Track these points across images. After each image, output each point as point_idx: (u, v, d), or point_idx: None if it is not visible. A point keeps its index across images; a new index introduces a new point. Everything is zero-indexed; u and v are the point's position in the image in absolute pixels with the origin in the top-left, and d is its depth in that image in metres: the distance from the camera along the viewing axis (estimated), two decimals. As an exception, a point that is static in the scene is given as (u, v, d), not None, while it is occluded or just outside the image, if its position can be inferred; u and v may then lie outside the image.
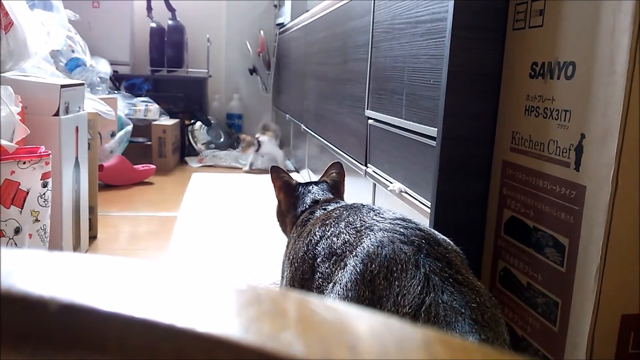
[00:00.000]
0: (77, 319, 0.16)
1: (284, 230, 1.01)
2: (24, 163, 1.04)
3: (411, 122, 1.02)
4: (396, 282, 0.59)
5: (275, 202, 1.02)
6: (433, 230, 0.68)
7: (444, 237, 0.67)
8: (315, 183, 0.99)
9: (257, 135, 2.72)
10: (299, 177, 2.48)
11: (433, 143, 0.90)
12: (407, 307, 0.56)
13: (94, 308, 0.16)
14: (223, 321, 0.15)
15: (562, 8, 0.71)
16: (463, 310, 0.55)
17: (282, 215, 1.00)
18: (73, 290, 0.16)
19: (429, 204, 0.91)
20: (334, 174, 1.03)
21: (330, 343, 0.15)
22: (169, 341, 0.15)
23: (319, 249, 0.73)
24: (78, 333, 0.16)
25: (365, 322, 0.17)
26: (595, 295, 0.65)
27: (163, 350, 0.15)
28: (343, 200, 0.98)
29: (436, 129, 0.87)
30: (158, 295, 0.17)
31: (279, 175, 0.99)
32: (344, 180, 1.03)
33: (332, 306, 0.18)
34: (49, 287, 0.16)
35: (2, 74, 1.22)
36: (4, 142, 1.01)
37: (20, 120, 1.11)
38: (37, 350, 0.16)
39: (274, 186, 1.00)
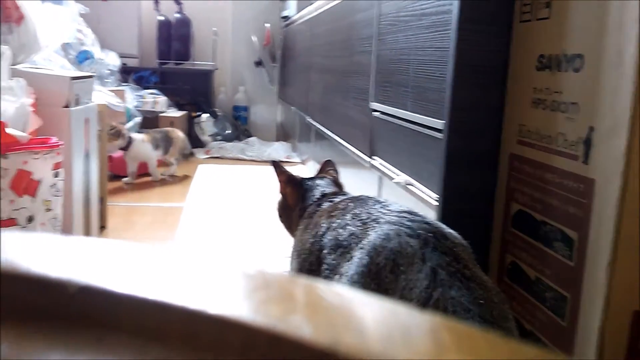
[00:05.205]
0: (93, 300, 0.16)
1: (288, 227, 1.01)
2: (36, 153, 1.06)
3: (417, 115, 1.02)
4: (402, 276, 0.59)
5: (278, 197, 1.02)
6: (440, 223, 0.68)
7: (451, 231, 0.66)
8: (320, 178, 1.00)
9: (128, 132, 2.14)
10: (305, 170, 2.48)
11: (439, 135, 0.90)
12: (414, 300, 0.56)
13: (109, 290, 0.16)
14: (233, 304, 0.16)
15: (569, 0, 0.71)
16: (471, 307, 0.55)
17: (287, 210, 1.00)
18: (90, 273, 0.17)
19: (435, 196, 0.91)
20: (331, 170, 1.04)
21: (337, 327, 0.15)
22: (182, 322, 0.15)
23: (325, 240, 0.74)
24: (94, 314, 0.16)
25: (372, 307, 0.17)
26: (606, 290, 0.64)
27: (175, 330, 0.15)
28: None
29: (442, 122, 0.87)
30: (171, 278, 0.17)
31: (282, 170, 1.00)
32: (339, 176, 1.04)
33: (339, 292, 0.18)
34: (67, 269, 0.17)
35: (14, 67, 1.23)
36: (17, 133, 1.02)
37: (32, 111, 1.12)
38: (56, 329, 0.17)
39: (279, 181, 1.00)
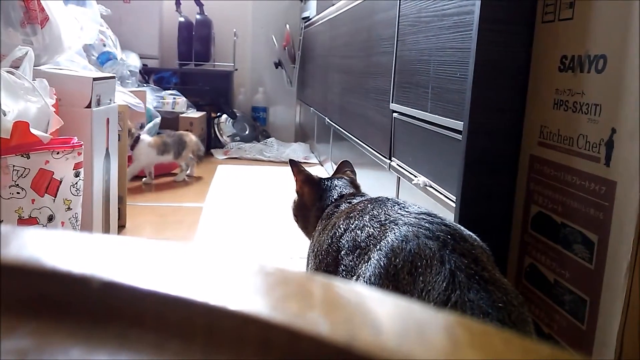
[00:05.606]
0: (117, 295, 0.17)
1: (303, 227, 1.01)
2: (58, 153, 1.08)
3: (437, 116, 1.02)
4: (420, 278, 0.58)
5: (294, 197, 1.03)
6: (459, 225, 0.67)
7: (470, 233, 0.66)
8: (338, 178, 1.00)
9: (137, 132, 2.12)
10: (323, 171, 2.49)
11: (459, 137, 0.90)
12: (432, 303, 0.56)
13: (132, 286, 0.17)
14: (253, 300, 0.16)
15: (593, 1, 0.70)
16: (490, 311, 0.55)
17: (303, 210, 1.00)
18: (112, 269, 0.17)
19: (454, 198, 0.91)
20: (348, 171, 1.03)
21: (354, 323, 0.16)
22: (203, 317, 0.16)
23: (343, 241, 0.74)
24: (118, 309, 0.17)
25: (387, 305, 0.17)
26: (626, 293, 0.63)
27: (197, 325, 0.16)
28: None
29: (462, 123, 0.87)
30: (192, 275, 0.18)
31: (300, 169, 1.00)
32: (356, 177, 1.04)
33: (355, 290, 0.18)
34: (91, 266, 0.17)
35: (38, 67, 1.26)
36: (39, 133, 1.05)
37: (54, 112, 1.14)
38: (78, 325, 0.17)
39: (296, 180, 1.01)
